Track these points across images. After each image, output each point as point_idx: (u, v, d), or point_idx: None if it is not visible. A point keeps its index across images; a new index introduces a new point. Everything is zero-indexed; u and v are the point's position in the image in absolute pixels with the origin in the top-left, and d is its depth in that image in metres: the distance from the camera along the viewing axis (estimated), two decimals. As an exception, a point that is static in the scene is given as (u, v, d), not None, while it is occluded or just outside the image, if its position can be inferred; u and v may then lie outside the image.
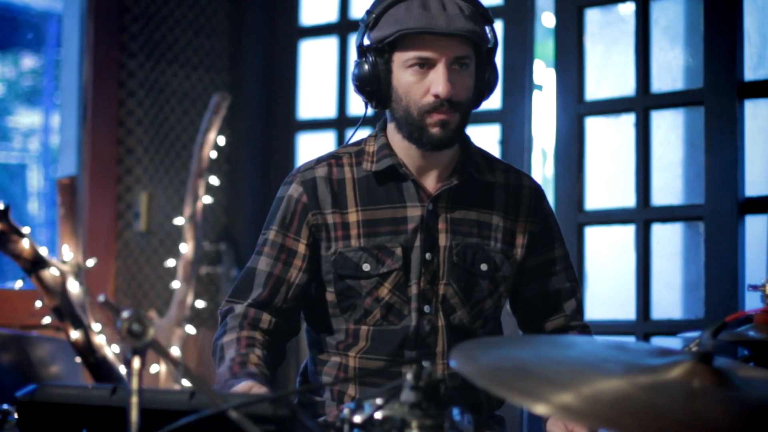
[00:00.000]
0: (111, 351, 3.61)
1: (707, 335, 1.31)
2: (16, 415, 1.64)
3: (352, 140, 2.41)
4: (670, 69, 3.83)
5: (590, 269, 3.94)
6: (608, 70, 3.94)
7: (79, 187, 4.11)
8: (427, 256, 2.29)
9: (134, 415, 1.31)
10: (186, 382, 3.88)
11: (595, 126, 3.94)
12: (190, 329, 4.02)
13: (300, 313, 2.40)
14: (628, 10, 3.90)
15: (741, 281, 3.56)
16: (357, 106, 4.39)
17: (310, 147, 4.52)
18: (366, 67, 2.26)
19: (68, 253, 3.61)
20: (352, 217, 2.30)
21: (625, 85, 3.87)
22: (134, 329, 1.31)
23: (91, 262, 3.86)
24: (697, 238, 3.72)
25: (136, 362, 1.32)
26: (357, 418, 1.42)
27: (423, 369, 1.40)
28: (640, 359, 1.34)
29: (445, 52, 2.21)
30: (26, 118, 4.74)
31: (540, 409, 1.19)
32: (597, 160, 3.94)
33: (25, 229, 3.45)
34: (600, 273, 3.95)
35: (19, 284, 3.74)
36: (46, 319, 3.69)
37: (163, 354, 1.36)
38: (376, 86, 2.26)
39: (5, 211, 3.39)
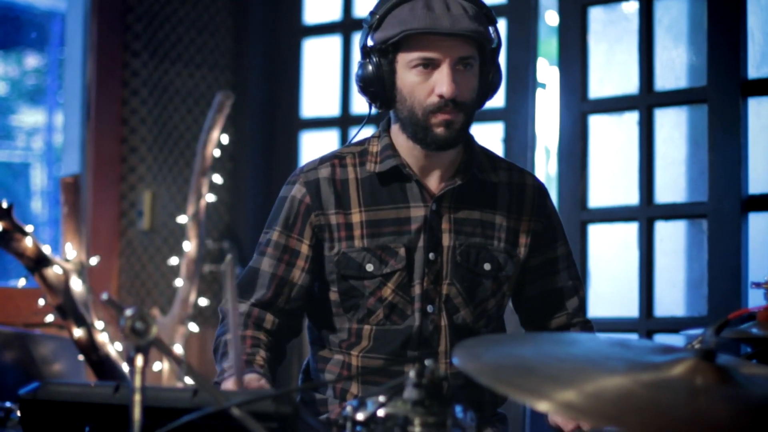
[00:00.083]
0: (114, 349, 3.62)
1: (710, 332, 1.31)
2: (19, 413, 1.64)
3: (356, 139, 2.41)
4: (674, 67, 3.83)
5: (593, 267, 3.93)
6: (612, 69, 3.94)
7: (82, 185, 4.12)
8: (431, 256, 2.29)
9: (137, 412, 1.31)
10: (189, 380, 3.88)
11: (598, 124, 3.94)
12: (193, 327, 4.02)
13: (302, 313, 2.40)
14: (632, 8, 3.90)
15: (744, 279, 3.56)
16: (360, 104, 4.39)
17: (314, 145, 4.52)
18: (370, 67, 2.26)
19: (71, 251, 3.61)
20: (356, 217, 2.30)
21: (629, 83, 3.87)
22: (137, 327, 1.31)
23: (94, 261, 3.86)
24: (701, 236, 3.72)
25: (139, 360, 1.32)
26: (360, 416, 1.42)
27: (426, 367, 1.40)
28: (643, 356, 1.34)
29: (449, 53, 2.21)
30: (30, 116, 4.74)
31: (543, 406, 1.19)
32: (600, 158, 3.93)
33: (29, 228, 3.45)
34: (603, 270, 3.95)
35: (22, 282, 3.74)
36: (49, 317, 3.69)
37: (166, 352, 1.36)
38: (380, 87, 2.26)
39: (9, 210, 3.39)
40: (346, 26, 4.47)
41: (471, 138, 2.36)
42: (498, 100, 4.01)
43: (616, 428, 1.17)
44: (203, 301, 4.21)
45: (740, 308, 3.45)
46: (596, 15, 3.96)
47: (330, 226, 2.31)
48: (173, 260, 4.25)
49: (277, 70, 4.62)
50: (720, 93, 3.63)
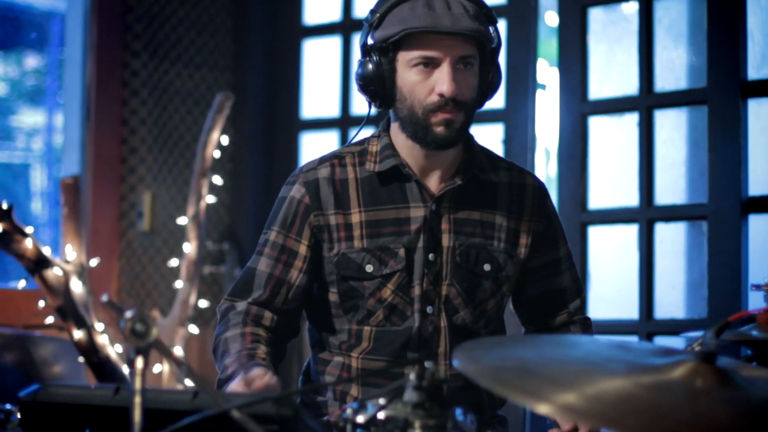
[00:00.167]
0: (114, 351, 3.62)
1: (710, 335, 1.31)
2: (19, 415, 1.64)
3: (356, 139, 2.41)
4: (674, 68, 3.83)
5: (593, 268, 3.93)
6: (611, 69, 3.94)
7: (82, 186, 4.12)
8: (430, 256, 2.29)
9: (137, 415, 1.31)
10: (189, 382, 3.88)
11: (598, 125, 3.94)
12: (193, 329, 4.02)
13: (300, 314, 2.39)
14: (632, 9, 3.90)
15: (744, 281, 3.56)
16: (360, 105, 4.39)
17: (314, 146, 4.52)
18: (370, 66, 2.26)
19: (71, 252, 3.61)
20: (355, 217, 2.30)
21: (629, 84, 3.87)
22: (137, 329, 1.31)
23: (94, 262, 3.86)
24: (701, 238, 3.72)
25: (139, 362, 1.31)
26: (360, 418, 1.42)
27: (426, 369, 1.39)
28: (643, 359, 1.34)
29: (450, 52, 2.21)
30: (29, 117, 4.75)
31: (543, 408, 1.19)
32: (600, 160, 3.93)
33: (29, 229, 3.45)
34: (603, 272, 3.95)
35: (22, 284, 3.74)
36: (49, 319, 3.69)
37: (166, 354, 1.36)
38: (380, 85, 2.26)
39: (8, 211, 3.39)
40: (346, 27, 4.47)
41: (471, 138, 2.36)
42: (498, 101, 4.01)
43: (616, 431, 1.17)
44: (203, 303, 4.21)
45: (740, 310, 3.45)
46: (596, 16, 3.96)
47: (329, 227, 2.30)
48: (173, 262, 4.25)
49: (277, 71, 4.62)
50: (720, 94, 3.63)
